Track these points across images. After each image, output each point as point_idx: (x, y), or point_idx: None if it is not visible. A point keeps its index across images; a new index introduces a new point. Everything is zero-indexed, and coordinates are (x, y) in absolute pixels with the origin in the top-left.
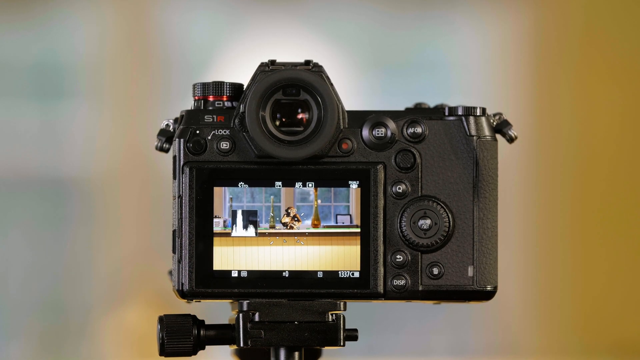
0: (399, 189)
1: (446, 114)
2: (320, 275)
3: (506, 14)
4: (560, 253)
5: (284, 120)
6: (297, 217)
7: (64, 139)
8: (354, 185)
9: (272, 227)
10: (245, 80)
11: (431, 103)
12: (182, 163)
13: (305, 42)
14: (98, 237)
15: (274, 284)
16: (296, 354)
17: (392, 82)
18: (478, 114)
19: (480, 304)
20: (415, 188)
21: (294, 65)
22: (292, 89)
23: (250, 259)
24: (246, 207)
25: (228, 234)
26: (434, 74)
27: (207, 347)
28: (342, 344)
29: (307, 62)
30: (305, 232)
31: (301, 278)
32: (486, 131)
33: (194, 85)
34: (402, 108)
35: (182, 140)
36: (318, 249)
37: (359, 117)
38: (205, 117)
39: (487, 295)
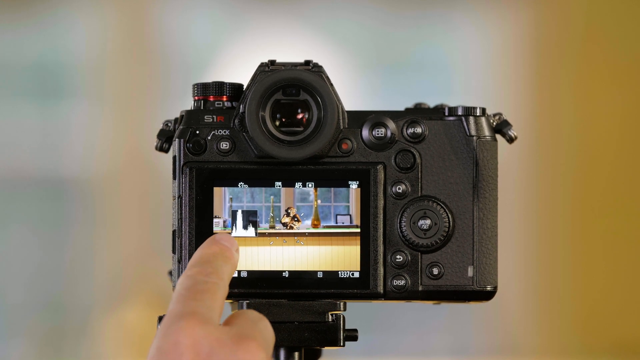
0: (399, 189)
1: (446, 114)
2: (320, 275)
3: (506, 13)
4: (560, 253)
5: (283, 120)
6: (297, 217)
7: (64, 139)
8: (353, 185)
9: (272, 227)
10: (245, 81)
11: (431, 103)
12: (182, 163)
13: (305, 42)
14: (98, 238)
15: (274, 284)
16: (296, 354)
17: (392, 82)
18: (478, 114)
19: (480, 304)
20: (415, 188)
21: (294, 65)
22: (292, 89)
23: (250, 259)
24: (246, 207)
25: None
26: (434, 74)
27: None
28: (342, 344)
29: (307, 62)
30: (305, 232)
31: (301, 278)
32: (486, 131)
33: (194, 86)
34: (402, 108)
35: (182, 140)
36: (318, 249)
37: (358, 117)
38: (205, 117)
39: (487, 296)
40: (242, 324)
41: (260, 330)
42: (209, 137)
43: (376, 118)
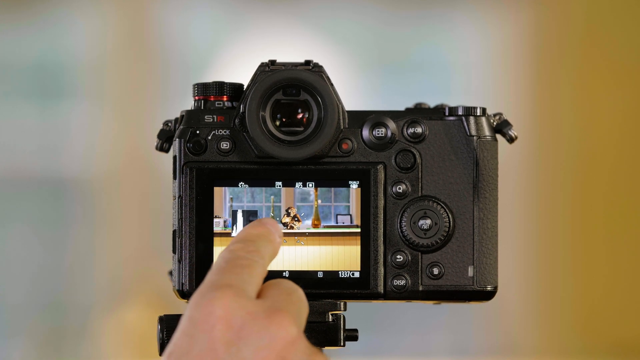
0: (399, 189)
1: (446, 114)
2: (320, 275)
3: (506, 13)
4: (560, 253)
5: (284, 120)
6: (297, 217)
7: (64, 139)
8: (354, 185)
9: None
10: (245, 81)
11: (431, 103)
12: (182, 163)
13: (305, 42)
14: (98, 238)
15: None
16: None
17: (392, 82)
18: (478, 114)
19: (481, 304)
20: (415, 188)
21: (294, 65)
22: (292, 89)
23: None
24: (246, 207)
25: (228, 234)
26: (434, 74)
27: None
28: (342, 344)
29: (307, 62)
30: (306, 232)
31: (301, 278)
32: (486, 131)
33: (194, 86)
34: (402, 108)
35: (182, 140)
36: (318, 249)
37: (359, 117)
38: (206, 117)
39: (487, 296)
40: (277, 296)
41: (294, 302)
42: (209, 137)
43: (376, 118)
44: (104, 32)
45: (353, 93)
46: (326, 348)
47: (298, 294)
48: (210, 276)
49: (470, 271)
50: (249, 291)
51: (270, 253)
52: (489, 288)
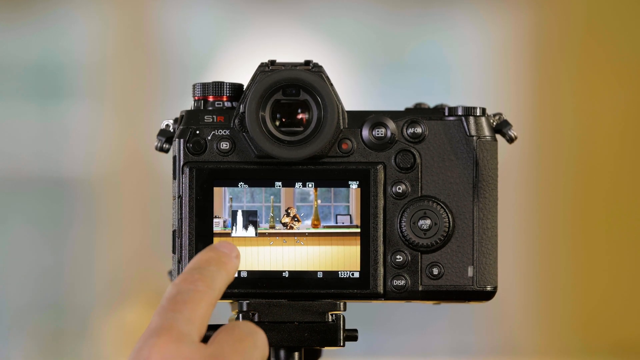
0: (399, 189)
1: (446, 114)
2: (320, 275)
3: (507, 13)
4: (560, 253)
5: (283, 120)
6: (297, 217)
7: (64, 139)
8: (353, 185)
9: (272, 227)
10: (245, 81)
11: (431, 103)
12: (182, 163)
13: (305, 42)
14: (99, 238)
15: (274, 284)
16: (296, 354)
17: (392, 82)
18: (478, 114)
19: (481, 304)
20: (415, 188)
21: (294, 65)
22: (292, 89)
23: (250, 259)
24: (246, 207)
25: (228, 234)
26: (434, 74)
27: None
28: (342, 344)
29: (307, 62)
30: (305, 233)
31: (301, 278)
32: (486, 131)
33: (194, 86)
34: (402, 108)
35: (182, 140)
36: (318, 249)
37: (358, 117)
38: (205, 117)
39: (487, 296)
40: (223, 342)
41: (241, 350)
42: (209, 137)
43: (376, 118)
44: (104, 32)
45: (353, 93)
46: (326, 348)
47: (252, 339)
48: (153, 317)
49: (470, 271)
50: (192, 331)
51: (223, 278)
52: (488, 288)
